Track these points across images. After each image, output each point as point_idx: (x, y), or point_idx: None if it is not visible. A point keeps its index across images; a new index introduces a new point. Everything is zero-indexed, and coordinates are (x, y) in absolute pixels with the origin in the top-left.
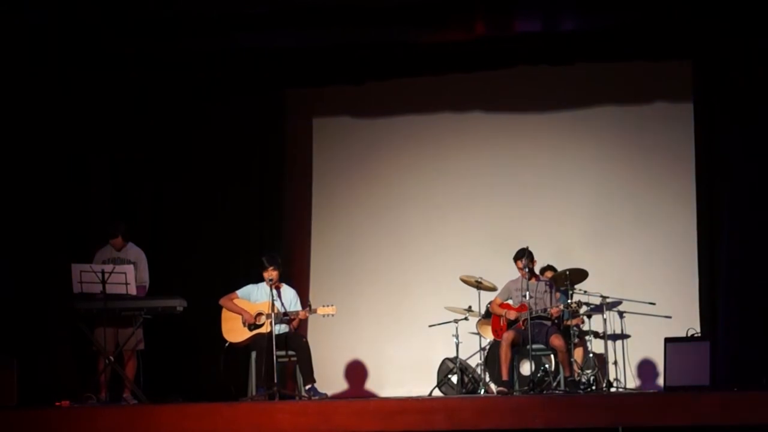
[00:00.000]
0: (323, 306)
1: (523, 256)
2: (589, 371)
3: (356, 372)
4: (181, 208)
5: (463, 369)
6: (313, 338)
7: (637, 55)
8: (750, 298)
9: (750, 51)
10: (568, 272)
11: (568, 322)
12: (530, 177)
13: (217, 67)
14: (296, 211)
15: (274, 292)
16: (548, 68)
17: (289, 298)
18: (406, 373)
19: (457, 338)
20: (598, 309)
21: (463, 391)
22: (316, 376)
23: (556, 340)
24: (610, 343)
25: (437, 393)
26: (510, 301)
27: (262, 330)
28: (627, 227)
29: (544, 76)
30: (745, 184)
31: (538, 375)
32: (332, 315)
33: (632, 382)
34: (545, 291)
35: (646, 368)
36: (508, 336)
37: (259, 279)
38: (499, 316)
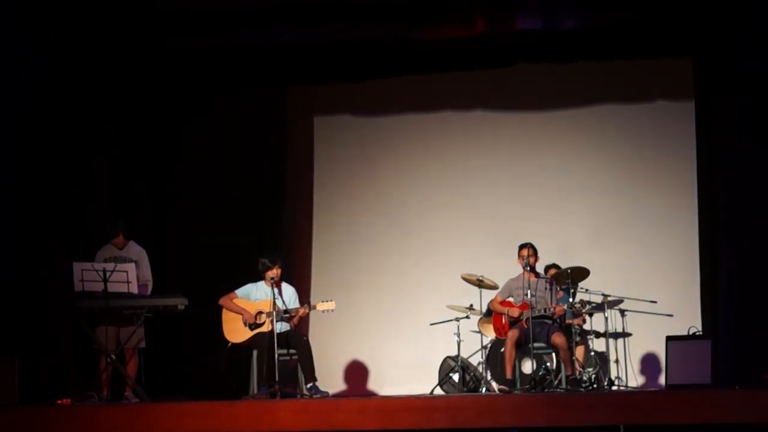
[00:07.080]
0: (322, 302)
1: (528, 246)
2: (590, 369)
3: (358, 370)
4: (181, 207)
5: (465, 367)
6: (314, 337)
7: (637, 53)
8: (751, 296)
9: (750, 48)
10: (569, 270)
11: (570, 321)
12: (531, 175)
13: (218, 65)
14: (298, 210)
15: (275, 290)
16: (549, 66)
17: (289, 295)
18: (407, 371)
19: (458, 337)
20: (599, 307)
21: (465, 389)
22: (317, 374)
23: (558, 339)
24: (611, 341)
25: (438, 391)
26: (511, 299)
27: (264, 329)
28: (628, 225)
29: (545, 74)
30: (747, 182)
31: (540, 373)
32: (332, 310)
33: (634, 381)
34: (546, 289)
35: (647, 366)
36: (512, 335)
37: (257, 278)
38: (501, 314)
